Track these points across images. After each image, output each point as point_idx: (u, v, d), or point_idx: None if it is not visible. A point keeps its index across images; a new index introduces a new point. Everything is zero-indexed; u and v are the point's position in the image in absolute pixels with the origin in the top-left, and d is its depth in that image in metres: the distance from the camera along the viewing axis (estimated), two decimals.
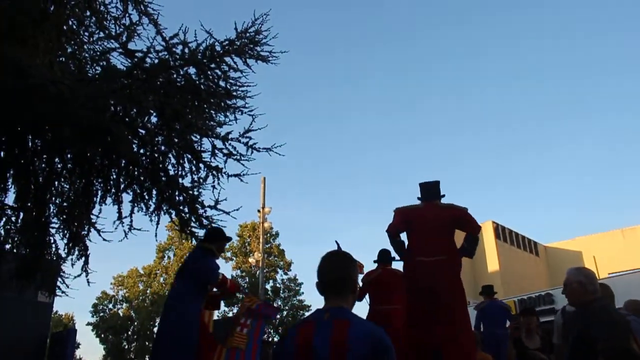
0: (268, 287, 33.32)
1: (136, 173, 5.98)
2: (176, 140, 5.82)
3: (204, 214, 6.13)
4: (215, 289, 5.38)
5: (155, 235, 6.23)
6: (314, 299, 46.72)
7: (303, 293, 34.92)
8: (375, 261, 7.13)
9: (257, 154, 6.06)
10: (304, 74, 69.84)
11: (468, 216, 5.65)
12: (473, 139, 65.21)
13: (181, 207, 6.15)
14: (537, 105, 64.38)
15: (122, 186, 6.08)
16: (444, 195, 5.78)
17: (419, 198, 5.77)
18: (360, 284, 6.73)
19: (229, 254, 34.57)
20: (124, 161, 5.82)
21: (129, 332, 36.62)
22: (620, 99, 61.13)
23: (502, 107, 63.81)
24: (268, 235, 33.45)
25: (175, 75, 5.90)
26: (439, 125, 66.71)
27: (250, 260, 32.63)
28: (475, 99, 64.43)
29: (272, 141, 6.21)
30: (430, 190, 5.74)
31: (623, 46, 58.26)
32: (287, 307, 34.15)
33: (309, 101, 69.56)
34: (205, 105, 6.52)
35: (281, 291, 34.41)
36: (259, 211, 26.84)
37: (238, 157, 6.00)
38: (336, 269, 2.40)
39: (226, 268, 35.91)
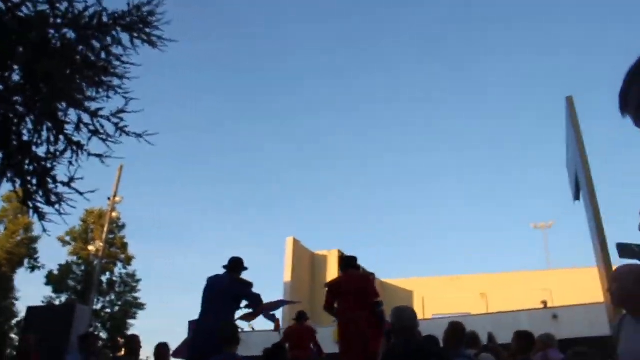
0: (104, 278, 31.38)
1: None
2: (38, 105, 5.28)
3: (54, 189, 5.58)
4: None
5: None
6: (150, 298, 44.79)
7: (140, 290, 33.29)
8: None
9: (125, 138, 5.69)
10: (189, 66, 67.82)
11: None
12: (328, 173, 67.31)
13: (29, 178, 5.55)
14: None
15: None
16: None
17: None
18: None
19: (67, 238, 32.11)
20: None
21: None
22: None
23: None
24: (114, 225, 31.62)
25: (52, 34, 5.40)
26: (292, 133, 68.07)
27: (90, 248, 30.58)
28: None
29: (145, 127, 5.88)
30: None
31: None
32: (119, 303, 32.33)
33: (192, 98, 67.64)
34: (77, 76, 6.05)
35: (117, 285, 32.52)
36: (109, 199, 25.39)
37: (104, 137, 5.61)
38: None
39: (62, 253, 33.35)
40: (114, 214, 27.56)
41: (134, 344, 6.85)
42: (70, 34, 5.83)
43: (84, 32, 5.70)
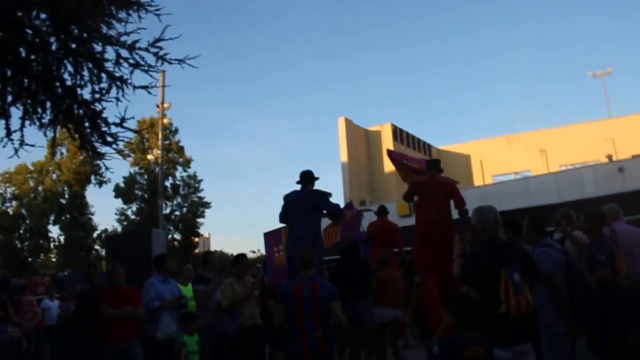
0: (167, 184, 32.59)
1: (26, 83, 5.20)
2: (73, 46, 5.09)
3: (108, 131, 5.55)
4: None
5: (49, 150, 5.57)
6: (213, 196, 46.54)
7: (203, 190, 34.57)
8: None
9: (167, 66, 5.48)
10: None
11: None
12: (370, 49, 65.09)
13: (82, 122, 5.52)
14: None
15: (10, 99, 5.28)
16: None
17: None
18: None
19: (126, 150, 33.08)
20: (9, 70, 5.03)
21: (21, 231, 34.82)
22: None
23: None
24: (167, 131, 32.23)
25: None
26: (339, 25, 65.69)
27: (149, 157, 31.57)
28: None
29: (182, 48, 5.62)
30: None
31: None
32: (187, 204, 33.76)
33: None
34: (105, 1, 5.74)
35: (181, 188, 33.79)
36: (157, 107, 25.63)
37: (146, 68, 5.40)
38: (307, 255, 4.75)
39: (124, 165, 34.56)
40: (165, 120, 27.97)
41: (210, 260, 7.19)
42: None
43: None
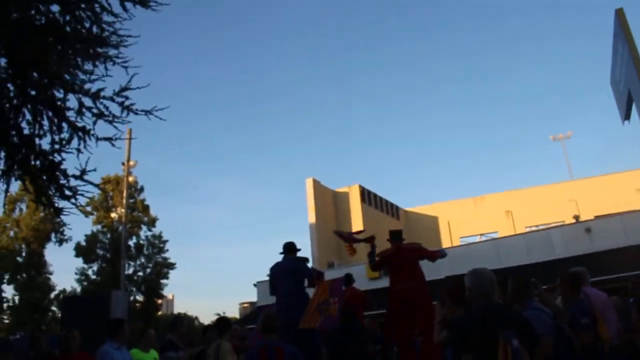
0: (131, 243, 31.62)
1: None
2: (33, 93, 4.79)
3: (66, 184, 5.16)
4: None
5: (4, 206, 5.16)
6: (178, 256, 45.47)
7: (168, 250, 33.61)
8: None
9: (133, 117, 5.20)
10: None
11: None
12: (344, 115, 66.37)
13: (38, 174, 5.13)
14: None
15: None
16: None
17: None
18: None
19: (89, 208, 32.19)
20: None
21: None
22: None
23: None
24: (132, 189, 31.55)
25: (33, 12, 4.84)
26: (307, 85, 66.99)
27: (113, 215, 30.70)
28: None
29: (148, 101, 5.37)
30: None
31: None
32: (150, 265, 32.68)
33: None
34: (70, 52, 5.49)
35: (145, 248, 32.80)
36: (123, 164, 25.19)
37: (110, 119, 5.10)
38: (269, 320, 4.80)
39: (86, 223, 33.47)
40: (130, 179, 27.41)
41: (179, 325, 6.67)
42: (54, 7, 5.23)
43: (69, 4, 5.10)
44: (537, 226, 27.57)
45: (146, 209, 33.01)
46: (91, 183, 5.23)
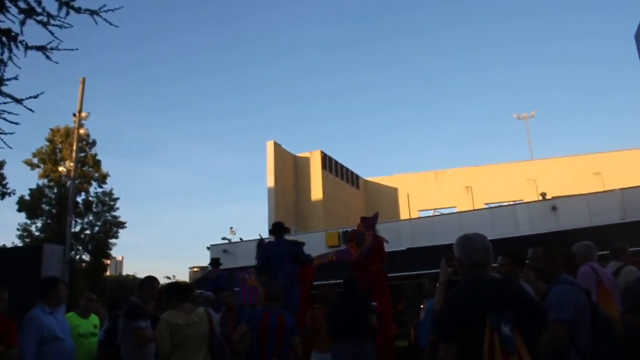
0: (79, 200, 30.06)
1: None
2: None
3: None
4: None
5: None
6: (130, 215, 43.98)
7: (119, 209, 32.14)
8: None
9: (76, 18, 4.11)
10: None
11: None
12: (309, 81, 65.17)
13: None
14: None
15: None
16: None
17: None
18: None
19: (35, 161, 30.37)
20: None
21: None
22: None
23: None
24: (84, 143, 29.88)
25: None
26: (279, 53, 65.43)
27: (61, 169, 29.00)
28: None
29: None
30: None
31: None
32: (99, 223, 31.24)
33: None
34: None
35: (94, 205, 31.26)
36: (74, 115, 23.59)
37: (45, 20, 4.03)
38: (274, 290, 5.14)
39: (32, 177, 31.67)
40: (81, 131, 25.80)
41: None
42: None
43: None
44: (496, 203, 27.53)
45: (97, 164, 31.33)
46: (12, 97, 4.17)
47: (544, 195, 19.38)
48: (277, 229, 7.72)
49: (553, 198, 18.36)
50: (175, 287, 5.04)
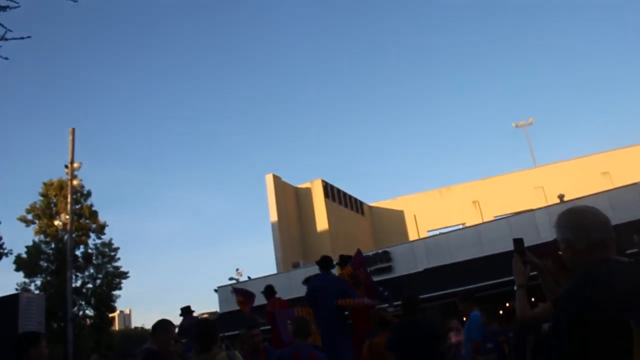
0: (78, 253, 29.09)
1: None
2: None
3: None
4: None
5: None
6: (131, 265, 42.89)
7: (119, 259, 31.10)
8: None
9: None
10: None
11: None
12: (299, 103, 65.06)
13: None
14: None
15: None
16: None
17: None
18: None
19: (29, 217, 29.48)
20: None
21: None
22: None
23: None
24: (78, 194, 29.11)
25: None
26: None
27: (57, 222, 28.08)
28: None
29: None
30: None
31: None
32: (100, 275, 30.18)
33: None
34: None
35: (94, 257, 30.25)
36: (66, 167, 22.96)
37: None
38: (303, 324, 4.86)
39: (27, 233, 30.75)
40: (75, 182, 25.14)
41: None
42: None
43: None
44: (504, 215, 26.69)
45: (94, 214, 30.43)
46: None
47: (561, 197, 18.58)
48: (324, 262, 7.65)
49: (572, 199, 17.53)
50: (196, 331, 4.25)
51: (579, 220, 2.16)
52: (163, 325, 4.62)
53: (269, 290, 9.32)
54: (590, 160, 30.83)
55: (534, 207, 23.53)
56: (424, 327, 5.13)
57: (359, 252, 8.52)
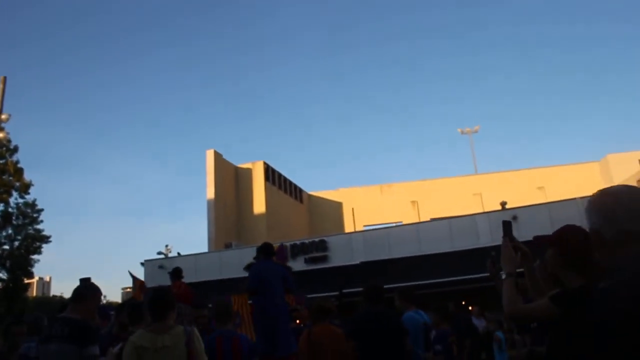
0: None
1: None
2: None
3: None
4: None
5: None
6: (54, 228, 40.86)
7: (42, 222, 29.28)
8: None
9: None
10: None
11: None
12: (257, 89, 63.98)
13: None
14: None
15: None
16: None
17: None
18: None
19: None
20: None
21: None
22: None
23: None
24: (3, 148, 27.23)
25: None
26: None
27: None
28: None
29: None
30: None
31: None
32: (19, 237, 28.35)
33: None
34: None
35: (14, 217, 28.35)
36: None
37: None
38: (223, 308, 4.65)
39: None
40: (0, 135, 23.48)
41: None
42: None
43: None
44: (441, 218, 26.99)
45: (19, 172, 28.38)
46: None
47: (503, 204, 18.79)
48: (264, 250, 7.44)
49: (513, 208, 17.73)
50: (150, 299, 3.82)
51: (616, 206, 1.76)
52: (89, 289, 4.01)
53: (176, 273, 9.00)
54: (529, 173, 31.80)
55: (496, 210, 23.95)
56: (387, 318, 4.75)
57: (282, 247, 8.58)
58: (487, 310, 11.35)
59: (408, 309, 5.99)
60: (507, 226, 3.05)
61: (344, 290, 15.46)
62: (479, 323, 10.27)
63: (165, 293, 3.84)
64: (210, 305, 7.51)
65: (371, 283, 5.25)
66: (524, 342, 9.34)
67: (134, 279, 10.13)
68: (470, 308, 10.79)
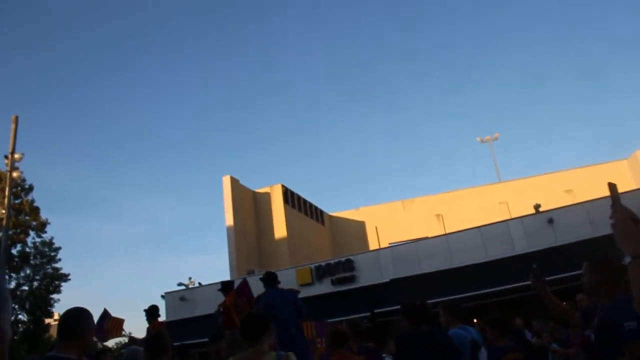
0: (14, 251, 26.80)
1: None
2: None
3: None
4: None
5: None
6: (72, 267, 40.47)
7: (60, 260, 28.83)
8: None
9: None
10: None
11: None
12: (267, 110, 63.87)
13: None
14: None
15: None
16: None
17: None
18: None
19: None
20: None
21: None
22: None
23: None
24: (18, 188, 26.92)
25: None
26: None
27: None
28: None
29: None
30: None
31: None
32: (38, 277, 27.89)
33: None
34: None
35: (31, 257, 27.94)
36: (6, 157, 21.02)
37: None
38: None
39: None
40: (15, 174, 23.12)
41: None
42: None
43: None
44: (471, 228, 25.98)
45: (35, 211, 28.13)
46: None
47: (537, 207, 17.80)
48: (269, 279, 7.39)
49: (549, 210, 16.71)
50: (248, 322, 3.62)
51: None
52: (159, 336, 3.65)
53: (152, 312, 8.70)
54: (555, 177, 30.70)
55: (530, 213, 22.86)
56: (439, 338, 3.92)
57: (245, 283, 7.93)
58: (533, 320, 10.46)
59: (454, 325, 5.20)
60: (613, 188, 2.24)
61: (376, 310, 14.59)
62: (527, 336, 9.54)
63: (158, 337, 3.71)
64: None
65: (408, 301, 4.49)
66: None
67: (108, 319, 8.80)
68: (516, 320, 9.88)
